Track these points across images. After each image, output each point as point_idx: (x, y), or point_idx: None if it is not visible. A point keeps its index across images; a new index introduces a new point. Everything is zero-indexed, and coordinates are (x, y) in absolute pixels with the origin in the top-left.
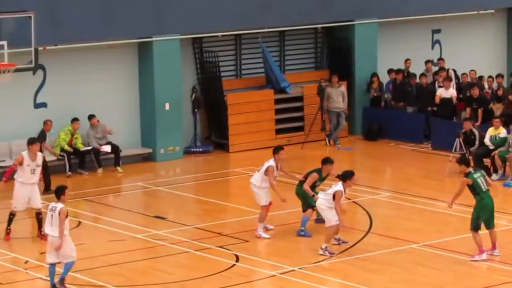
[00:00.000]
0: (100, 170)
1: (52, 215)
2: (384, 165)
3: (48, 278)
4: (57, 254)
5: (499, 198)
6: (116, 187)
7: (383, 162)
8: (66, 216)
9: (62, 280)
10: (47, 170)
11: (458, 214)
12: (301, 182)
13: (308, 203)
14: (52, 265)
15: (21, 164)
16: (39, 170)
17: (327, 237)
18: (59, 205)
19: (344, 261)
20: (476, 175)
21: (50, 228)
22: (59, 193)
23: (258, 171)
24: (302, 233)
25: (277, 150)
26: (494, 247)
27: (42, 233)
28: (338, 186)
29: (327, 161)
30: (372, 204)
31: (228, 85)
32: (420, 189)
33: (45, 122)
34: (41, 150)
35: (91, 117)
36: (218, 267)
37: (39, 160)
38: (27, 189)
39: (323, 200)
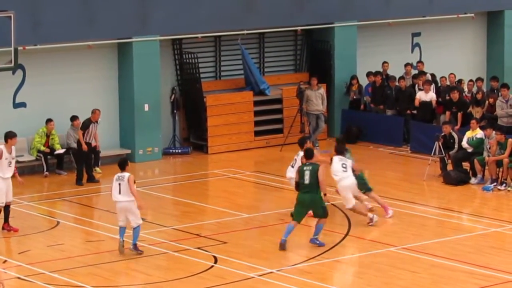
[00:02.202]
0: None
1: (120, 184)
2: (363, 168)
3: None
4: (126, 219)
5: (477, 202)
6: (94, 187)
7: (362, 165)
8: (134, 182)
9: (135, 245)
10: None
11: (436, 218)
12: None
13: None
14: (123, 228)
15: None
16: (13, 163)
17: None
18: (126, 174)
19: (323, 263)
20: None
21: (119, 196)
22: (125, 164)
23: (293, 166)
24: (317, 242)
25: (304, 140)
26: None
27: (9, 226)
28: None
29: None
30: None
31: (208, 87)
32: (398, 192)
33: (93, 111)
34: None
35: (74, 118)
36: (196, 268)
37: (14, 153)
38: (5, 183)
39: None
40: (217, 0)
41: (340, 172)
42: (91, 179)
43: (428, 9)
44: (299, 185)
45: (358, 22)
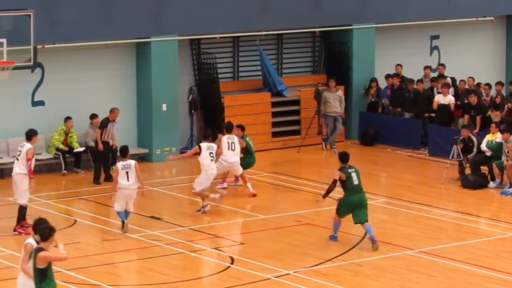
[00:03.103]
0: None
1: (127, 172)
2: (380, 171)
3: None
4: (125, 205)
5: (495, 206)
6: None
7: (379, 167)
8: None
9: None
10: (102, 162)
11: (453, 221)
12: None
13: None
14: (122, 212)
15: (31, 158)
16: None
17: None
18: (132, 161)
19: (339, 266)
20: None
21: (128, 183)
22: (127, 152)
23: (234, 149)
24: (375, 240)
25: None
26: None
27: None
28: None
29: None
30: (368, 210)
31: (225, 87)
32: (415, 195)
33: (112, 110)
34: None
35: (93, 116)
36: (212, 269)
37: None
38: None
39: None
40: (235, 0)
41: (209, 161)
42: (109, 178)
43: (447, 12)
44: (346, 186)
45: (376, 25)
